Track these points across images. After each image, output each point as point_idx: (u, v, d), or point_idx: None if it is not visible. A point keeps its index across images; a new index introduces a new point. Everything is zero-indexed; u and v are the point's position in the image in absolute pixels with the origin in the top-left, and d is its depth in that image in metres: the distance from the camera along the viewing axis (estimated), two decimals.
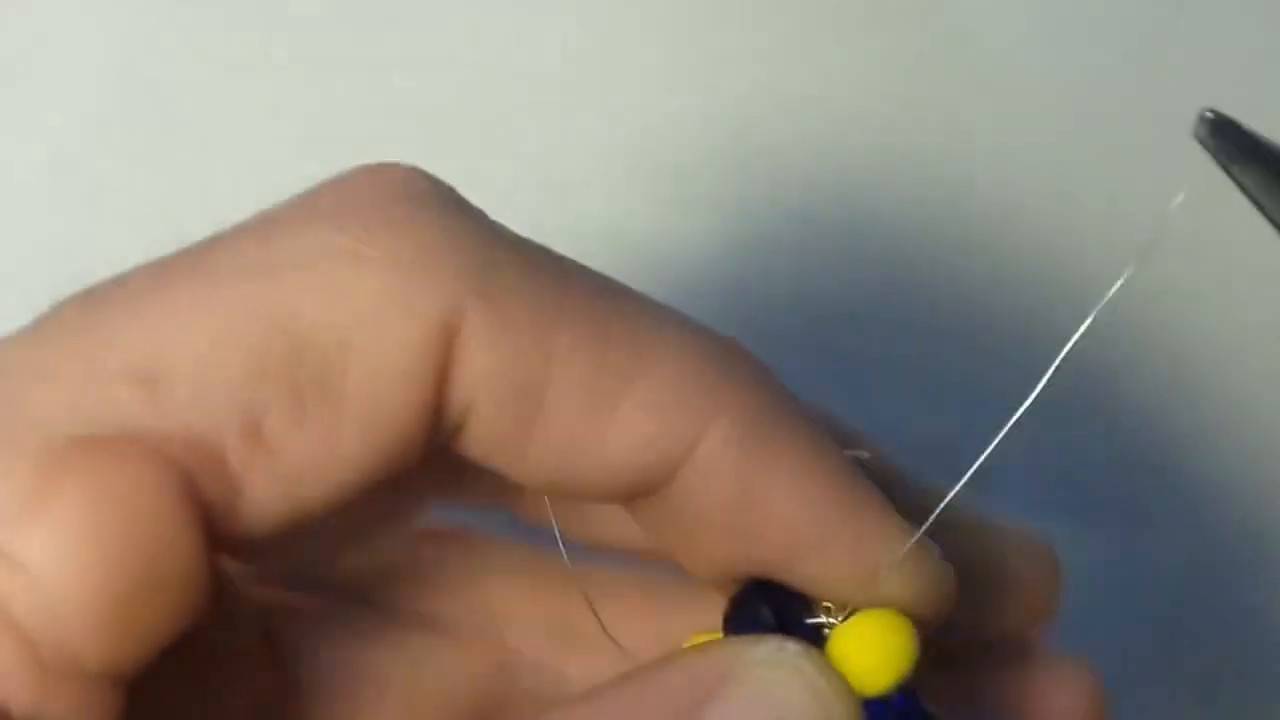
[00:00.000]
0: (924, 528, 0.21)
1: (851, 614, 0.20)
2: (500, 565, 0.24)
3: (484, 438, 0.19)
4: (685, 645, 0.21)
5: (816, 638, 0.20)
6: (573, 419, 0.19)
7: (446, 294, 0.18)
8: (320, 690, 0.23)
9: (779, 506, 0.20)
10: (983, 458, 0.20)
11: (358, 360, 0.18)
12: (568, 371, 0.19)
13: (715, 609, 0.21)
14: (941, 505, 0.20)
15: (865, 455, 0.21)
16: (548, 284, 0.19)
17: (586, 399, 0.19)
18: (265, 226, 0.19)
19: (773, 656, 0.19)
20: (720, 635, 0.21)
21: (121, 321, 0.18)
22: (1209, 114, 0.21)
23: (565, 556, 0.23)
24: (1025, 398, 0.20)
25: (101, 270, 0.19)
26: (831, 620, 0.20)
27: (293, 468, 0.18)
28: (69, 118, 0.33)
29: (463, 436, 0.19)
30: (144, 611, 0.17)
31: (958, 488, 0.20)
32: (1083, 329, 0.19)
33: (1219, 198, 0.21)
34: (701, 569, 0.21)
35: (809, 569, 0.20)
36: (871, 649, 0.20)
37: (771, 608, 0.20)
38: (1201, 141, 0.21)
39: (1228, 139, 0.21)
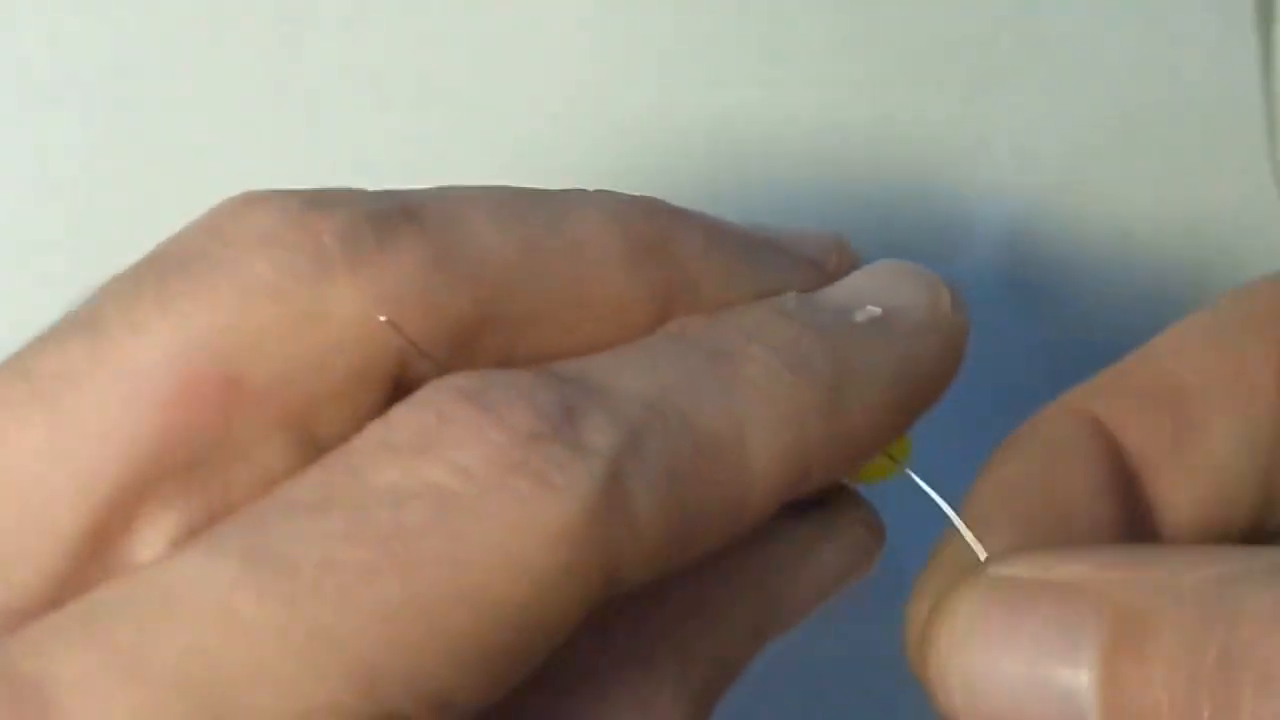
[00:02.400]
0: None
1: None
2: None
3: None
4: None
5: None
6: (715, 527, 0.20)
7: (605, 551, 0.19)
8: None
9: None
10: None
11: (538, 629, 0.19)
12: (706, 529, 0.20)
13: None
14: None
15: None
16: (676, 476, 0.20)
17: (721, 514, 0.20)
18: (440, 505, 0.19)
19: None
20: None
21: (326, 608, 0.17)
22: None
23: None
24: None
25: None
26: None
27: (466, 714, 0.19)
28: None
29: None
30: None
31: None
32: None
33: None
34: None
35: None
36: None
37: None
38: None
39: None
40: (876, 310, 0.22)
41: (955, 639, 0.20)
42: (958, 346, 0.23)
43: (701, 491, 0.20)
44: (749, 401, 0.20)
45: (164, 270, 0.20)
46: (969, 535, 0.21)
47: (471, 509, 0.18)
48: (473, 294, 0.20)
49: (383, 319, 0.20)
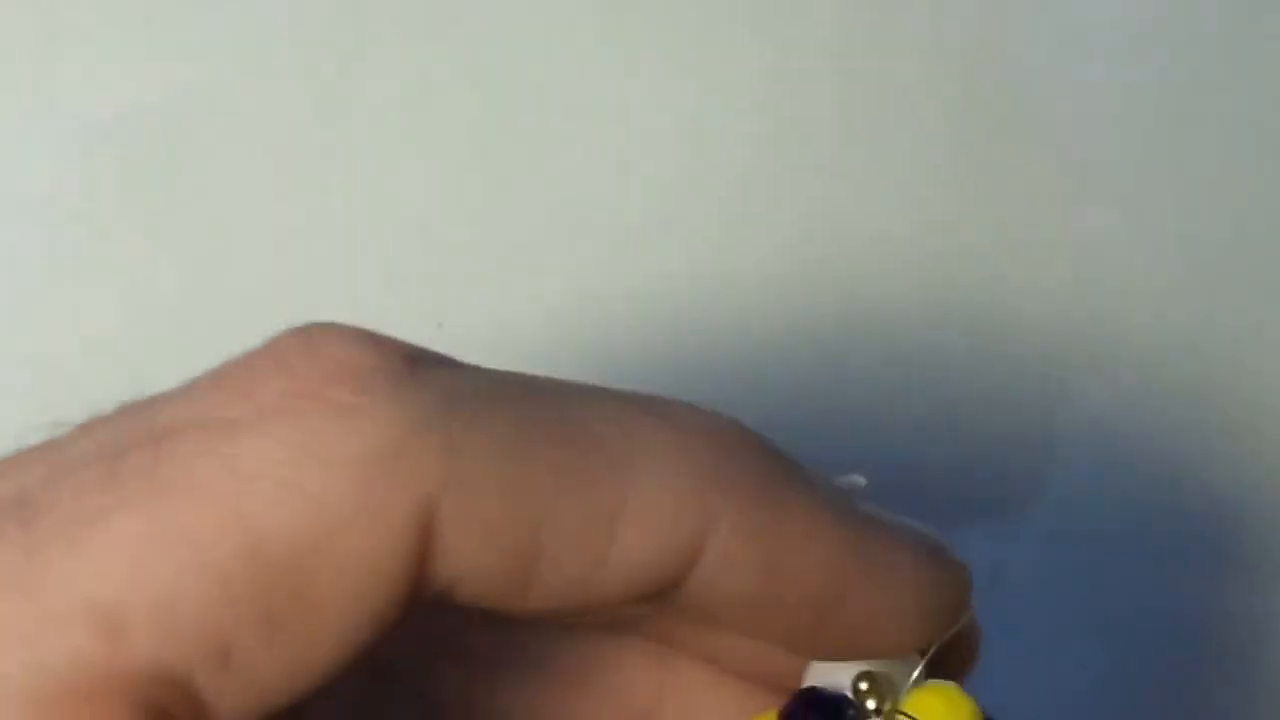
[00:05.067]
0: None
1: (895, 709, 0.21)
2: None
3: (479, 594, 0.19)
4: None
5: None
6: (570, 554, 0.19)
7: (414, 487, 0.18)
8: None
9: (798, 578, 0.20)
10: None
11: (327, 567, 0.17)
12: (557, 512, 0.18)
13: None
14: None
15: (862, 482, 0.21)
16: (517, 429, 0.18)
17: (581, 531, 0.19)
18: (209, 431, 0.18)
19: None
20: None
21: (67, 554, 0.17)
22: None
23: None
24: None
25: None
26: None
27: (264, 682, 0.17)
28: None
29: (455, 596, 0.19)
30: None
31: None
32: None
33: None
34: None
35: (838, 628, 0.20)
36: None
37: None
38: None
39: None
40: (861, 480, 0.21)
41: None
42: (932, 593, 0.21)
43: (555, 459, 0.18)
44: (655, 429, 0.19)
45: None
46: None
47: (246, 435, 0.17)
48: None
49: None
